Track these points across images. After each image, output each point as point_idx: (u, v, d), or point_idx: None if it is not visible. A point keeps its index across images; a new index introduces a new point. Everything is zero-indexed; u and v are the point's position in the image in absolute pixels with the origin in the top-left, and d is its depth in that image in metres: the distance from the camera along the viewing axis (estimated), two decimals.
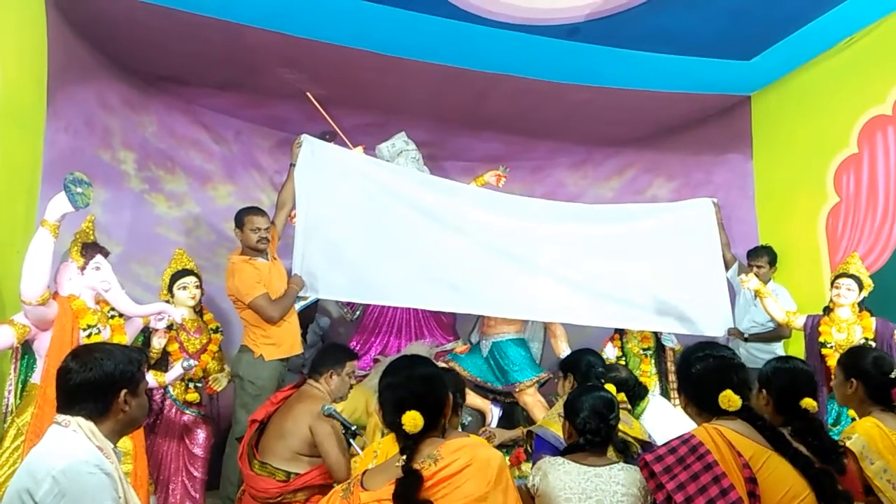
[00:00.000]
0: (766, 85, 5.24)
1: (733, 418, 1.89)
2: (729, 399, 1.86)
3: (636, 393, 3.27)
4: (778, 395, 2.27)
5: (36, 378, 3.02)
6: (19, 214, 3.51)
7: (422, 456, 1.71)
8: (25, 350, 3.07)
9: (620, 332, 4.86)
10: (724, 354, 2.03)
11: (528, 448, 3.10)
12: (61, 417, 1.76)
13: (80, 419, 1.75)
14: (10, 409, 3.01)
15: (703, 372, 1.95)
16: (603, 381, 2.93)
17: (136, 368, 1.85)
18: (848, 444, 2.31)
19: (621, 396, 2.83)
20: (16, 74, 3.42)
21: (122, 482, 1.74)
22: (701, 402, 1.95)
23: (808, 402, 2.16)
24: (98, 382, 1.78)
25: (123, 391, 1.80)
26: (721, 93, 5.36)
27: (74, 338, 3.00)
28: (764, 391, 2.31)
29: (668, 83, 5.12)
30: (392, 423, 1.79)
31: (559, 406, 2.95)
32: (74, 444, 1.70)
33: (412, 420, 1.72)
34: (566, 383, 3.20)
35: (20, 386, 3.03)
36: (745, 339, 4.64)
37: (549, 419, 2.99)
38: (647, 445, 2.82)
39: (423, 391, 1.82)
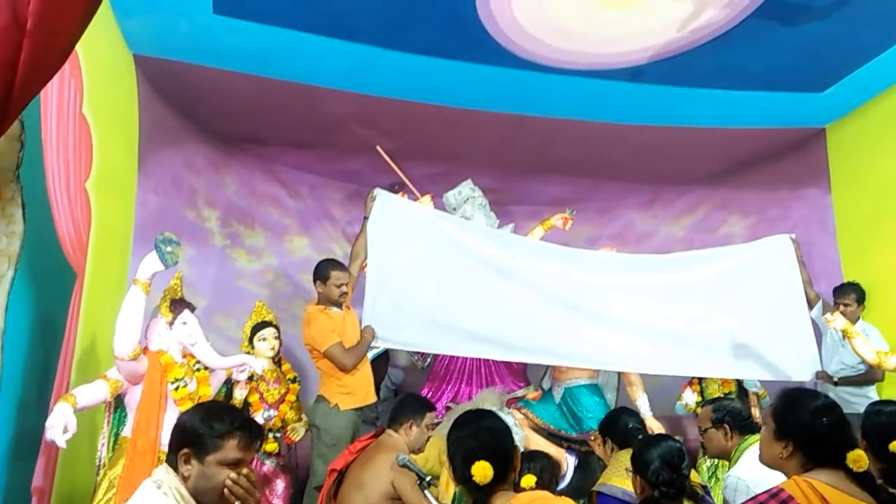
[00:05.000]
0: (841, 116, 5.08)
1: (826, 469, 1.80)
2: (858, 459, 1.76)
3: (747, 427, 2.94)
4: (871, 440, 2.17)
5: (127, 431, 3.14)
6: (113, 273, 3.75)
7: None
8: (118, 404, 3.23)
9: (700, 377, 4.71)
10: (841, 409, 1.93)
11: None
12: (157, 473, 1.75)
13: (172, 475, 1.72)
14: (102, 461, 3.15)
15: (832, 427, 1.84)
16: (640, 437, 2.84)
17: (211, 432, 1.72)
18: None
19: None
20: (111, 144, 3.69)
21: None
22: (817, 455, 1.83)
23: None
24: (174, 432, 1.77)
25: (185, 449, 1.72)
26: (793, 126, 5.22)
27: (163, 391, 3.13)
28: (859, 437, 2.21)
29: (737, 119, 5.04)
30: (463, 476, 1.81)
31: (620, 461, 2.89)
32: None
33: (482, 470, 1.75)
34: (606, 448, 3.15)
35: (112, 439, 3.18)
36: (835, 383, 4.40)
37: (610, 474, 2.93)
38: (705, 490, 2.74)
39: (491, 441, 1.85)
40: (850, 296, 4.60)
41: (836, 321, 4.13)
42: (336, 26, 3.92)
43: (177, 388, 3.17)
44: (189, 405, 3.19)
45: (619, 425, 3.16)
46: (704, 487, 2.83)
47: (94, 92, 3.33)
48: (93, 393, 3.00)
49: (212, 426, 1.73)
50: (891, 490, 1.82)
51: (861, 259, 4.94)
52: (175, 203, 4.78)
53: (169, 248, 3.05)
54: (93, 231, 3.42)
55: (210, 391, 3.39)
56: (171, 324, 3.30)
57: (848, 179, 5.14)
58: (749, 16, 3.87)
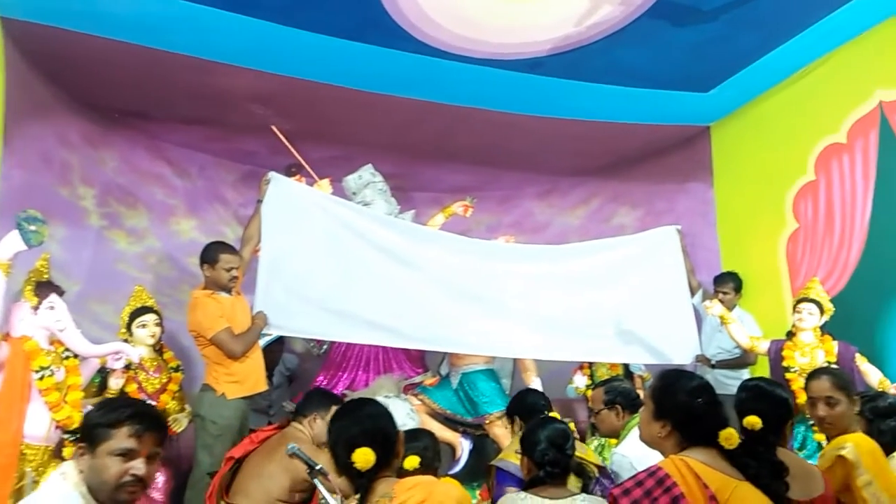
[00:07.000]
0: (724, 115, 5.38)
1: (701, 448, 1.88)
2: (729, 437, 1.83)
3: (637, 406, 3.01)
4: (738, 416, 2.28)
5: None
6: None
7: (376, 495, 1.70)
8: None
9: (590, 361, 4.86)
10: (715, 390, 1.99)
11: (490, 483, 3.06)
12: (63, 466, 1.70)
13: (75, 471, 1.66)
14: None
15: (706, 407, 1.90)
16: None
17: (102, 422, 1.65)
18: (843, 453, 2.40)
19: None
20: None
21: None
22: (692, 434, 1.89)
23: (749, 421, 2.15)
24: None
25: (81, 444, 1.67)
26: (680, 123, 5.48)
27: (26, 380, 2.93)
28: None
29: (629, 114, 5.23)
30: (344, 464, 1.77)
31: (516, 442, 2.93)
32: (55, 495, 1.64)
33: (363, 456, 1.73)
34: (514, 427, 3.20)
35: None
36: (713, 366, 4.68)
37: (508, 452, 2.97)
38: (602, 470, 2.83)
39: (372, 427, 1.84)
40: (728, 284, 4.90)
41: (714, 308, 4.39)
42: None
43: (42, 378, 2.96)
44: (56, 395, 2.98)
45: (527, 403, 3.19)
46: (602, 469, 2.90)
47: None
48: None
49: (104, 416, 1.67)
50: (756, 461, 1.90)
51: (739, 250, 5.27)
52: (45, 179, 4.42)
53: (33, 227, 2.83)
54: None
55: (80, 380, 3.18)
56: (35, 308, 3.06)
57: (729, 175, 5.46)
58: (642, 15, 4.02)
